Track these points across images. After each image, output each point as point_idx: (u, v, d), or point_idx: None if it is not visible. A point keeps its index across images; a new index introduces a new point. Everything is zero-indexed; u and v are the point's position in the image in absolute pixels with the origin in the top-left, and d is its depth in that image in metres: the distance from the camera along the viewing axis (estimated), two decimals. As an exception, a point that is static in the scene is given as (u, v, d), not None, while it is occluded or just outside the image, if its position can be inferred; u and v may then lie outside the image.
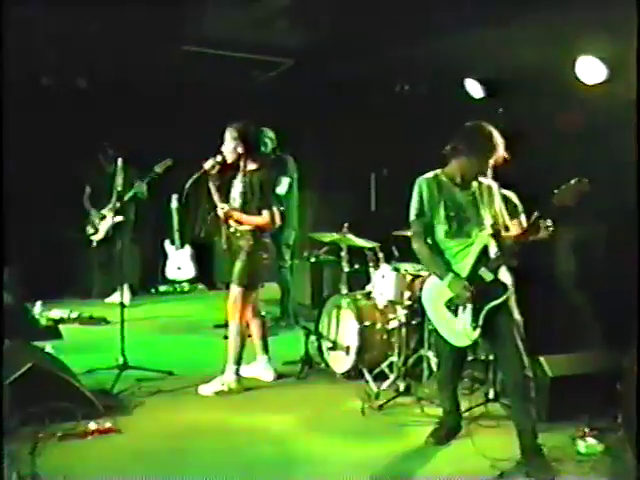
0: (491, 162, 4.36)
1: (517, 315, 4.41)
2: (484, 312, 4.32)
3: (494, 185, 4.56)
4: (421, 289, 5.86)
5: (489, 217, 4.45)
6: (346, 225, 6.54)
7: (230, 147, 5.82)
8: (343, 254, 6.66)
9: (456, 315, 4.45)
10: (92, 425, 4.80)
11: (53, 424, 4.64)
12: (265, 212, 5.76)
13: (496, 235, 4.42)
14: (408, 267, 6.09)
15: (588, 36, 5.87)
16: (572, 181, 4.05)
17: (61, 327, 7.82)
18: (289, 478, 4.34)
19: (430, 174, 4.58)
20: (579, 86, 6.03)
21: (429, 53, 7.47)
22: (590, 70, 5.93)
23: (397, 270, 6.02)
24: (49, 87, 8.58)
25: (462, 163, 4.45)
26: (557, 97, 6.36)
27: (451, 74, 7.53)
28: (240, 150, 5.79)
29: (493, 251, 4.37)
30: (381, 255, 6.43)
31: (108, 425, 4.86)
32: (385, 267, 6.13)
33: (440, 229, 4.50)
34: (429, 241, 4.54)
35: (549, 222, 4.14)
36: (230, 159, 5.85)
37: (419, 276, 6.01)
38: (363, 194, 10.17)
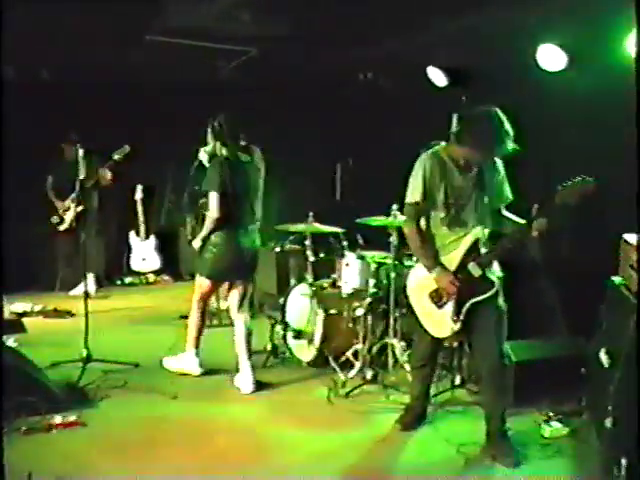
0: (497, 153, 4.25)
1: (502, 304, 4.38)
2: (466, 307, 4.32)
3: (498, 160, 4.46)
4: (387, 276, 5.94)
5: (488, 199, 4.39)
6: (311, 214, 6.54)
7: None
8: (308, 243, 6.64)
9: (439, 307, 4.44)
10: (57, 419, 4.76)
11: (18, 418, 4.62)
12: (209, 195, 5.64)
13: (495, 218, 4.43)
14: (373, 255, 6.12)
15: (549, 24, 5.91)
16: (577, 179, 4.00)
17: (25, 320, 7.76)
18: (256, 467, 4.33)
19: (431, 151, 4.40)
20: (540, 73, 6.07)
21: (393, 42, 7.47)
22: (551, 57, 5.97)
23: (362, 258, 6.04)
24: (11, 78, 8.45)
25: (466, 151, 4.28)
26: (519, 84, 6.40)
27: (414, 63, 7.54)
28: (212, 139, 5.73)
29: (484, 246, 4.35)
30: (346, 243, 6.43)
31: (73, 418, 4.83)
32: (350, 255, 6.14)
33: (436, 215, 4.40)
34: (422, 225, 4.45)
35: (544, 220, 4.12)
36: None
37: (384, 264, 6.04)
38: (328, 184, 10.17)
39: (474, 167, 4.38)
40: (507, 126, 4.15)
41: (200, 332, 6.01)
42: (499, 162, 4.49)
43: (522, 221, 4.30)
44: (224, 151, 5.64)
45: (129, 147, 7.89)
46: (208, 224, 5.64)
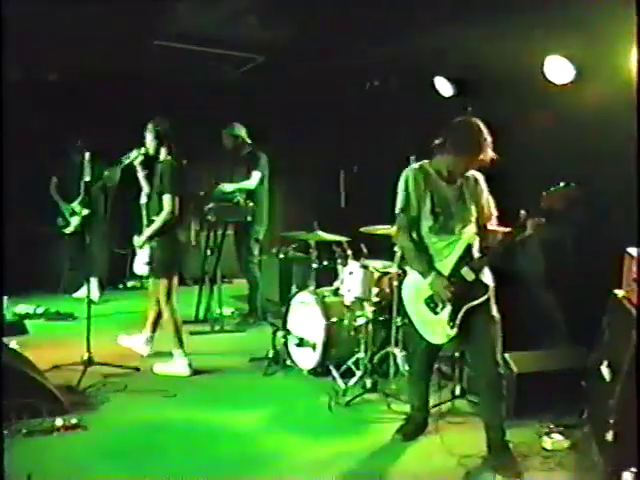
0: (479, 161, 4.31)
1: (496, 313, 4.41)
2: (462, 311, 4.33)
3: (480, 177, 4.56)
4: (390, 286, 5.93)
5: (474, 212, 4.47)
6: (316, 223, 6.55)
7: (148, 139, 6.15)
8: (312, 251, 6.65)
9: (435, 313, 4.45)
10: (58, 422, 4.76)
11: (18, 421, 4.62)
12: (164, 197, 5.97)
13: (481, 233, 4.46)
14: (376, 264, 6.11)
15: (556, 36, 5.92)
16: (561, 184, 4.05)
17: (27, 323, 7.75)
18: (256, 474, 4.32)
19: (416, 165, 4.54)
20: (547, 85, 6.06)
21: (399, 51, 7.48)
22: (558, 70, 5.97)
23: (365, 267, 6.03)
24: (18, 80, 8.47)
25: (449, 159, 4.39)
26: (526, 96, 6.39)
27: (421, 72, 7.54)
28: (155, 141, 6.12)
29: (477, 251, 4.39)
30: (349, 252, 6.43)
31: (74, 421, 4.83)
32: (353, 264, 6.13)
33: (425, 224, 4.46)
34: (414, 235, 4.50)
35: (541, 219, 4.17)
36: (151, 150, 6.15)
37: (387, 273, 6.03)
38: (332, 191, 10.16)
39: (458, 179, 4.48)
40: (486, 134, 4.28)
41: (181, 331, 6.22)
42: (482, 180, 4.57)
43: (507, 229, 4.38)
44: (169, 156, 6.07)
45: (137, 151, 7.94)
46: (159, 224, 6.01)
